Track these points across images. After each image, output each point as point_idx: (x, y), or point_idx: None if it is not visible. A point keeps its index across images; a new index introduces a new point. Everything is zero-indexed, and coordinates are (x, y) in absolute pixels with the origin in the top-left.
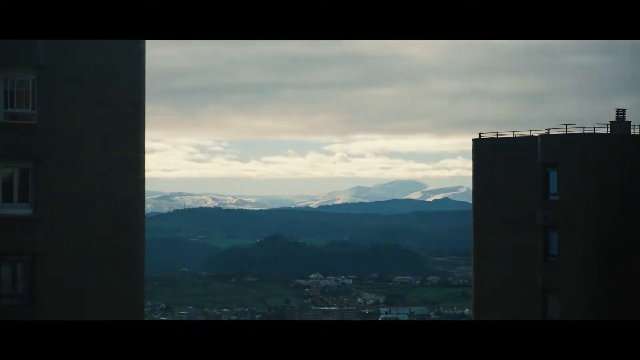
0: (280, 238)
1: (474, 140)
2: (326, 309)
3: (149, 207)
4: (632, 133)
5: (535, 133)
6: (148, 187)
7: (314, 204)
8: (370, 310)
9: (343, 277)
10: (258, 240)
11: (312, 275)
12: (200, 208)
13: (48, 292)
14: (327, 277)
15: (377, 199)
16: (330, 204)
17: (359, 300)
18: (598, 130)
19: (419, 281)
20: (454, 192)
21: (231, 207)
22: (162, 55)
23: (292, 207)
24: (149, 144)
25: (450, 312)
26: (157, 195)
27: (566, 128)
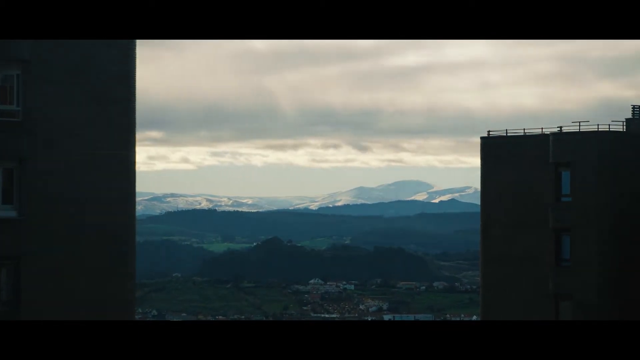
0: (278, 241)
1: (482, 138)
2: (326, 315)
3: (139, 209)
4: None
5: (547, 131)
6: (139, 188)
7: (313, 206)
8: (373, 318)
9: (344, 282)
10: (255, 243)
11: (312, 281)
12: (194, 210)
13: (33, 298)
14: (328, 283)
15: (380, 200)
16: (330, 205)
17: (361, 307)
18: (613, 128)
19: (424, 287)
20: (462, 193)
21: (226, 208)
22: None
23: (291, 208)
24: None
25: (457, 319)
26: (149, 196)
27: (579, 126)
